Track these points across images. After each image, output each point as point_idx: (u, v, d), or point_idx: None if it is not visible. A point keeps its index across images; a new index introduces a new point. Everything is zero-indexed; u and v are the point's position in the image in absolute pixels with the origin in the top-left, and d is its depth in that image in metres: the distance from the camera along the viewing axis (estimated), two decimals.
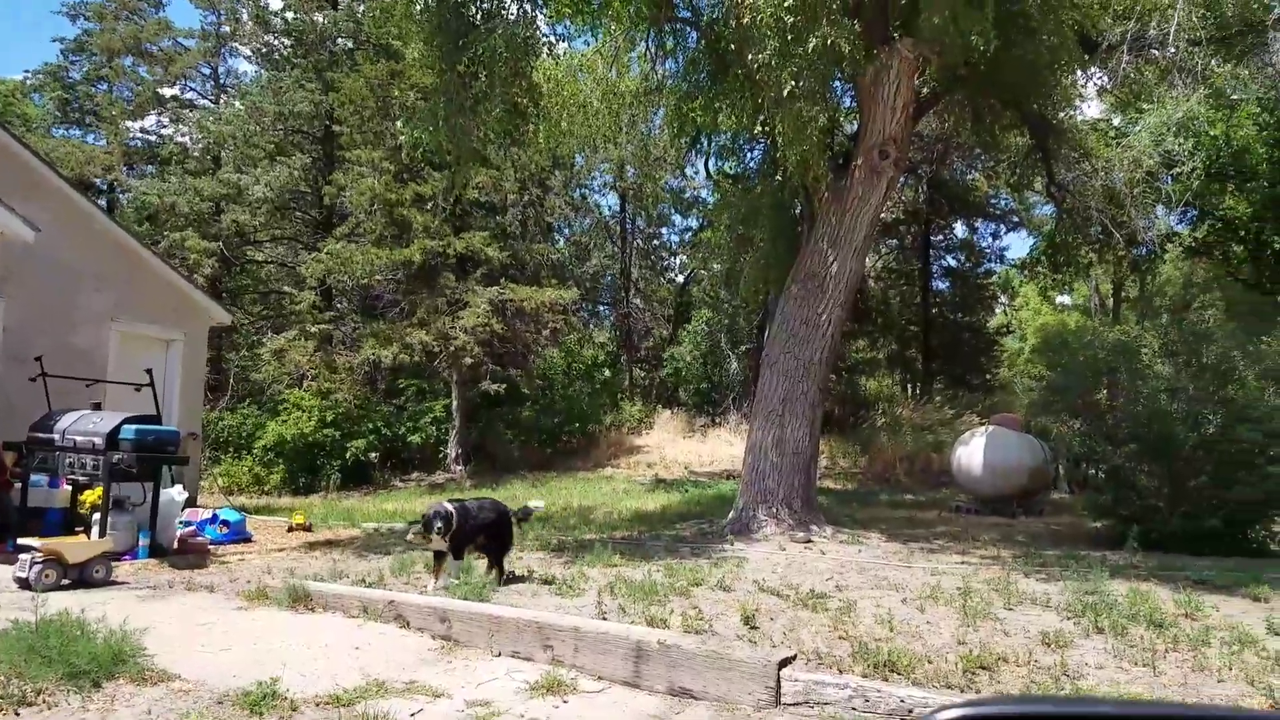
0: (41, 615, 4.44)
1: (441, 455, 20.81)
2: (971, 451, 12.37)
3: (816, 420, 9.49)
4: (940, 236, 25.94)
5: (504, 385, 19.89)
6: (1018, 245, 46.71)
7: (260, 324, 25.34)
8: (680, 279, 30.55)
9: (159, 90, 28.02)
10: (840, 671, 3.95)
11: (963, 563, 7.14)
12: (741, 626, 4.61)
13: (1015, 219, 24.53)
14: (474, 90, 8.87)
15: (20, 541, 6.30)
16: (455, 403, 20.74)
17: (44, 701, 3.69)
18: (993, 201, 24.43)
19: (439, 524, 5.81)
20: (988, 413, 17.02)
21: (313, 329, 20.61)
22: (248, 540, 9.00)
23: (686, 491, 15.17)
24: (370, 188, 19.28)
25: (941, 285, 26.13)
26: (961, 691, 3.69)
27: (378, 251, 18.95)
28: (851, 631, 4.58)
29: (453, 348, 18.52)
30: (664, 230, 31.08)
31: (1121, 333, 10.90)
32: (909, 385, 25.41)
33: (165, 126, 28.89)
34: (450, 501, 6.12)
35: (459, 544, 5.98)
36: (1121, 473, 8.61)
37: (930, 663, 4.06)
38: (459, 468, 20.14)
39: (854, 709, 3.69)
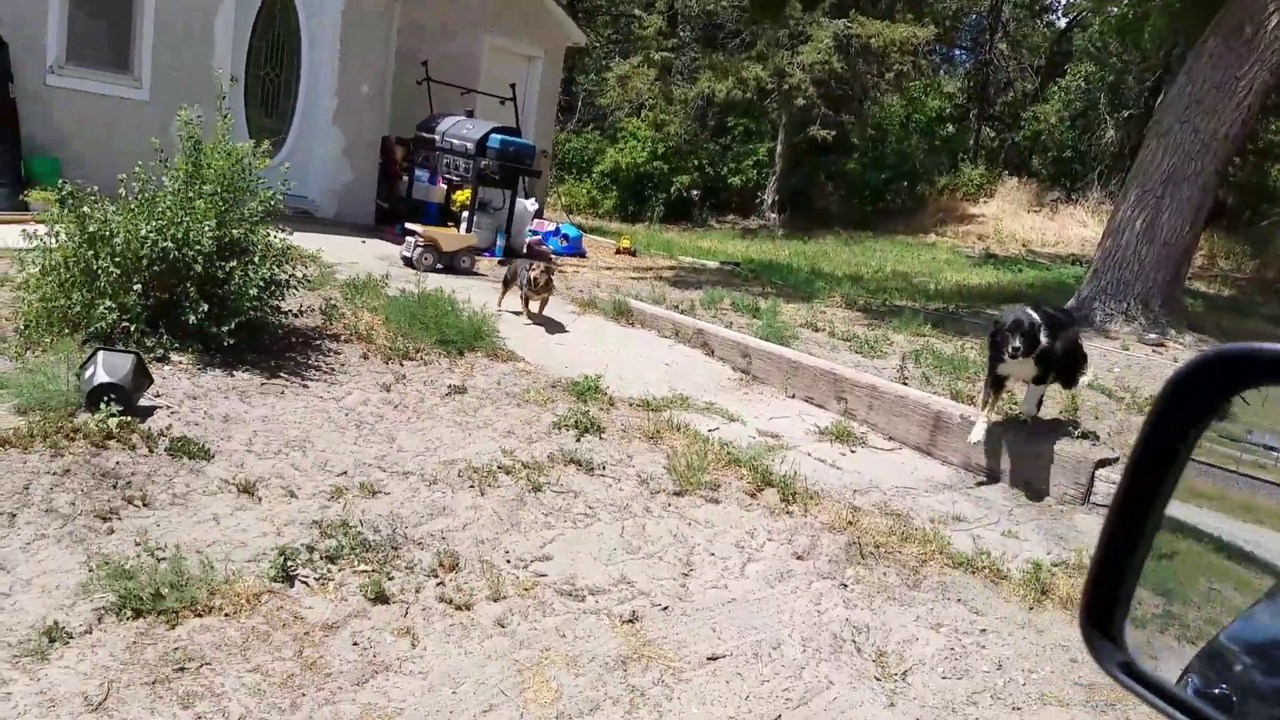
0: (422, 289, 5.33)
1: (759, 201, 20.82)
2: None
3: (1204, 209, 7.88)
4: None
5: (833, 132, 18.83)
6: None
7: (609, 48, 25.95)
8: (1062, 23, 25.49)
9: None
10: None
11: None
12: (1060, 421, 4.26)
13: None
14: None
15: (406, 226, 7.36)
16: (780, 147, 20.22)
17: (421, 359, 4.53)
18: None
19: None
20: None
21: (656, 56, 20.70)
22: (582, 255, 9.86)
23: (1020, 271, 13.81)
24: None
25: None
26: None
27: None
28: None
29: (786, 86, 17.68)
30: None
31: None
32: None
33: None
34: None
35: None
36: None
37: None
38: (774, 215, 20.08)
39: None
